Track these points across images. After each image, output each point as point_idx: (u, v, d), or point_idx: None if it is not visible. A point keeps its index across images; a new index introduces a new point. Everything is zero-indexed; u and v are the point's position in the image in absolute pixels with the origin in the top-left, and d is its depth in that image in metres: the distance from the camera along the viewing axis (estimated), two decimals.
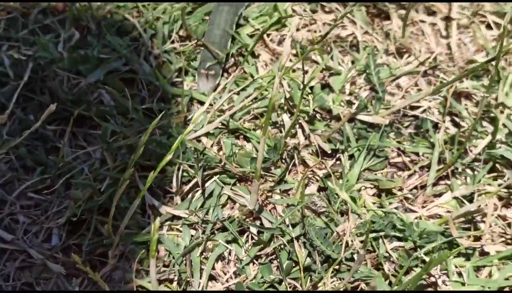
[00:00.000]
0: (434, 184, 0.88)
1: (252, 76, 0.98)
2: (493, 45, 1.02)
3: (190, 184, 0.85)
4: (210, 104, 0.93)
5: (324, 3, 1.07)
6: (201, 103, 0.95)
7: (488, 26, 1.07)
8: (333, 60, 0.99)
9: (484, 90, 0.94)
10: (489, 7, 1.07)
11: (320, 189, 0.87)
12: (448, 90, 0.94)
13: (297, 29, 1.05)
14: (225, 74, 0.99)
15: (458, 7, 1.07)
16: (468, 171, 0.89)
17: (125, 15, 1.04)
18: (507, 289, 0.78)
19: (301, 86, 0.85)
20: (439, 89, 0.89)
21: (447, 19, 1.06)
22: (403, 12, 1.06)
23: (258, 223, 0.82)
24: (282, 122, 0.92)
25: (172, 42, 1.02)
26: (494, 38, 1.04)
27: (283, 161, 0.88)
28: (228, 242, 0.81)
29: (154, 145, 0.86)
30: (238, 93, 0.95)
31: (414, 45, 1.02)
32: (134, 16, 1.04)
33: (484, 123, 0.93)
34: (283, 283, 0.78)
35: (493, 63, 0.78)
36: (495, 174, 0.88)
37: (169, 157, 0.68)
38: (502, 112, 0.93)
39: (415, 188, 0.89)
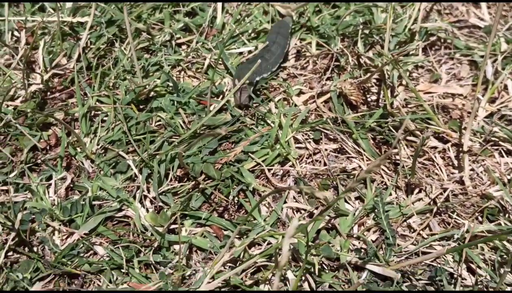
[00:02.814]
0: None
1: (254, 217, 0.92)
2: (508, 178, 0.96)
3: None
4: (210, 252, 0.87)
5: (327, 131, 1.02)
6: (201, 250, 0.90)
7: (502, 153, 1.01)
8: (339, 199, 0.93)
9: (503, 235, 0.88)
10: (501, 133, 1.02)
11: None
12: (462, 236, 0.88)
13: (300, 162, 1.00)
14: (226, 215, 0.93)
15: (469, 133, 1.01)
16: None
17: (119, 152, 0.98)
18: None
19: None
20: (452, 236, 0.84)
21: (459, 146, 1.01)
22: (412, 139, 1.01)
23: None
24: (287, 276, 0.86)
25: (170, 181, 0.96)
26: (508, 169, 0.99)
27: None
28: None
29: None
30: (239, 238, 0.89)
31: (425, 179, 0.96)
32: (129, 151, 0.99)
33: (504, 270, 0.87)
34: None
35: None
36: None
37: None
38: None
39: None
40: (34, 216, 0.91)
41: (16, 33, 1.21)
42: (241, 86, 1.03)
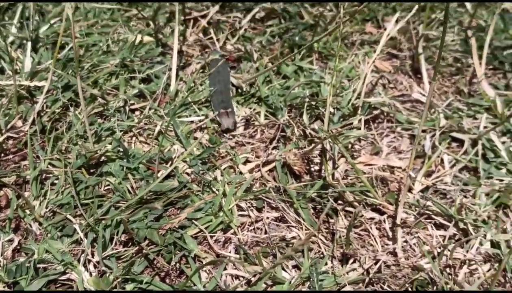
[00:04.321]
0: None
1: (194, 283, 0.95)
2: (438, 251, 1.01)
3: None
4: None
5: (269, 200, 1.06)
6: None
7: (433, 227, 1.06)
8: (275, 267, 0.98)
9: None
10: (434, 207, 1.07)
11: None
12: None
13: (242, 229, 1.04)
14: (168, 280, 0.96)
15: (402, 206, 1.06)
16: None
17: (67, 215, 1.02)
18: None
19: None
20: None
21: (394, 218, 1.06)
22: (350, 209, 1.06)
23: None
24: None
25: (115, 244, 0.99)
26: (439, 242, 1.04)
27: None
28: None
29: None
30: None
31: (360, 250, 1.01)
32: (77, 215, 1.03)
33: None
34: None
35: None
36: None
37: None
38: None
39: None
40: None
41: None
42: (225, 112, 1.21)
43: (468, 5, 1.61)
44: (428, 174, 1.16)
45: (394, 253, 1.02)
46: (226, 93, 1.27)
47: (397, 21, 1.35)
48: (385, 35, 1.31)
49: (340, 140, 1.14)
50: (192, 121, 1.22)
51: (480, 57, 1.37)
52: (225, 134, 1.20)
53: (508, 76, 1.42)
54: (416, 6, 1.37)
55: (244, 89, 1.29)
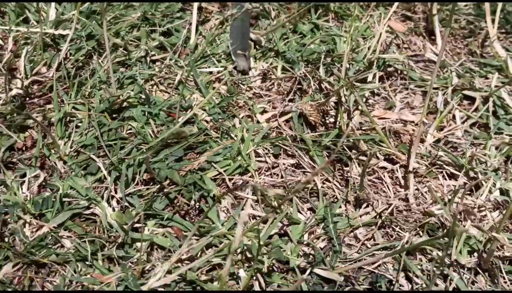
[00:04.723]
0: None
1: (212, 221, 0.99)
2: (449, 197, 1.05)
3: None
4: (169, 251, 0.94)
5: (286, 147, 1.10)
6: (162, 248, 0.97)
7: (445, 176, 1.10)
8: (292, 208, 1.01)
9: (439, 247, 0.96)
10: (446, 158, 1.11)
11: None
12: (403, 246, 0.96)
13: (259, 173, 1.07)
14: (187, 218, 1.00)
15: (417, 156, 1.10)
16: None
17: (91, 155, 1.05)
18: None
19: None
20: (394, 246, 0.92)
21: (406, 167, 1.09)
22: (363, 158, 1.10)
23: None
24: (238, 274, 0.93)
25: (136, 184, 1.03)
26: (450, 190, 1.07)
27: None
28: None
29: None
30: (197, 240, 0.96)
31: (373, 195, 1.05)
32: (100, 155, 1.06)
33: (438, 281, 0.95)
34: None
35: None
36: None
37: None
38: (455, 270, 0.95)
39: None
40: (7, 209, 0.97)
41: (0, 41, 1.28)
42: (242, 54, 1.27)
43: None
44: (440, 129, 1.19)
45: (406, 199, 1.06)
46: (245, 38, 1.31)
47: None
48: None
49: (356, 90, 1.17)
50: (211, 72, 1.25)
51: (492, 21, 1.39)
52: (242, 85, 1.24)
53: None
54: None
55: (263, 43, 1.32)
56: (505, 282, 0.94)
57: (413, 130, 1.17)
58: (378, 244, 0.99)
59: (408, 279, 0.96)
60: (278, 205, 0.84)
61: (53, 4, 1.34)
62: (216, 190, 1.03)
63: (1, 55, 1.23)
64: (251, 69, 1.27)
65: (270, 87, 1.25)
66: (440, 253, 0.94)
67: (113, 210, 0.99)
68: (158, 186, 1.03)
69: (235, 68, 1.27)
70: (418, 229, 1.01)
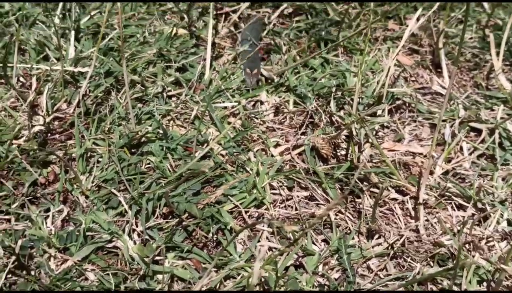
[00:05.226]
0: None
1: (230, 253, 1.03)
2: (458, 228, 1.08)
3: None
4: (190, 283, 0.98)
5: (299, 180, 1.14)
6: (182, 280, 1.00)
7: (454, 207, 1.13)
8: (307, 240, 1.05)
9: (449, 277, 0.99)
10: (454, 189, 1.14)
11: None
12: (414, 277, 0.99)
13: (274, 206, 1.11)
14: (205, 251, 1.04)
15: (426, 187, 1.14)
16: None
17: (112, 189, 1.09)
18: None
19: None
20: (406, 276, 0.95)
21: (416, 199, 1.13)
22: (375, 190, 1.13)
23: None
24: None
25: (156, 217, 1.07)
26: (459, 221, 1.11)
27: None
28: None
29: None
30: (216, 272, 1.00)
31: (384, 226, 1.08)
32: (121, 189, 1.10)
33: None
34: None
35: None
36: None
37: None
38: None
39: None
40: (32, 243, 1.01)
41: (21, 79, 1.32)
42: (250, 72, 1.35)
43: (486, 5, 1.68)
44: (448, 160, 1.23)
45: (416, 230, 1.09)
46: (255, 55, 1.39)
47: (418, 19, 1.42)
48: (408, 31, 1.38)
49: (367, 125, 1.21)
50: (225, 107, 1.30)
51: (497, 53, 1.44)
52: (256, 119, 1.28)
53: None
54: (437, 5, 1.45)
55: (275, 80, 1.37)
56: None
57: (422, 162, 1.21)
58: (390, 274, 1.02)
59: None
60: (294, 239, 0.88)
61: (72, 41, 1.39)
62: (233, 223, 1.06)
63: (23, 92, 1.28)
64: (259, 83, 1.36)
65: (283, 120, 1.29)
66: (449, 282, 0.97)
67: (134, 243, 1.03)
68: (177, 219, 1.06)
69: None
70: (428, 259, 1.04)
